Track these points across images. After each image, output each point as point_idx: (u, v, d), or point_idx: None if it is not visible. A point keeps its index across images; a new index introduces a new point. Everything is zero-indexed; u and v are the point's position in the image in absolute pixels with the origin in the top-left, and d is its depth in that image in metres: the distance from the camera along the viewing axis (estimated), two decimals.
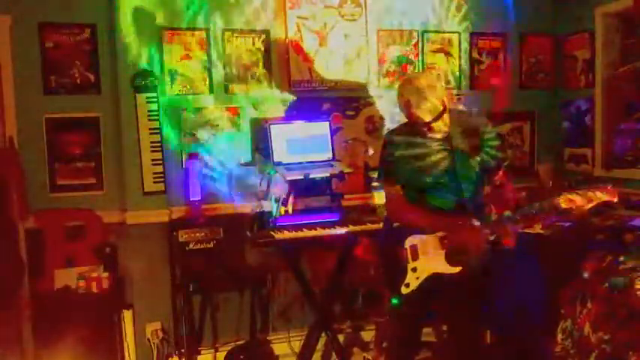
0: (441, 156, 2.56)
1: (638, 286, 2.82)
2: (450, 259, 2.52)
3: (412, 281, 2.60)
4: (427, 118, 2.44)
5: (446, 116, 2.48)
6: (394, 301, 2.69)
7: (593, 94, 4.13)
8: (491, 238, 2.47)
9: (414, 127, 2.54)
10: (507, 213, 2.45)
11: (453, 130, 2.55)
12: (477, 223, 2.45)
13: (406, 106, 2.48)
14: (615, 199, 2.26)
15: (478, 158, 2.57)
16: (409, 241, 2.61)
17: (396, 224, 2.71)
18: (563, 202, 2.28)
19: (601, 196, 2.25)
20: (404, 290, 2.61)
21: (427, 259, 2.57)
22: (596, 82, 4.10)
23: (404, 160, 2.60)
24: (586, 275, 3.04)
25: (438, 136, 2.53)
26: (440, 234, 2.55)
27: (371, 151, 3.91)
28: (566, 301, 3.14)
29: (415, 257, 2.59)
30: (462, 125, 2.59)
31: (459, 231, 2.49)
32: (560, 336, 3.13)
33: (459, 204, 2.56)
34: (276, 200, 3.41)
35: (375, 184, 3.79)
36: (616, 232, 3.22)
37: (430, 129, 2.48)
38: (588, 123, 4.20)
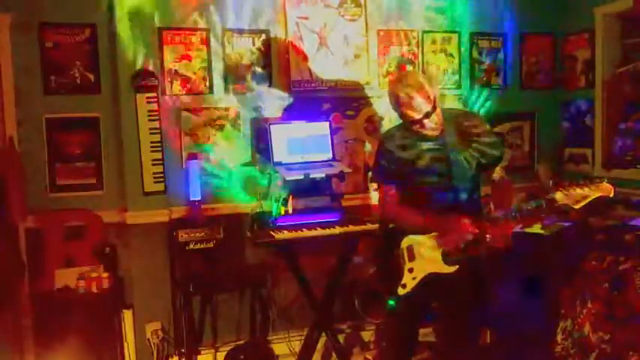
0: (435, 155, 2.56)
1: (638, 286, 2.82)
2: (446, 259, 2.52)
3: (409, 282, 2.60)
4: (417, 116, 2.43)
5: (437, 114, 2.47)
6: (391, 302, 2.68)
7: (593, 94, 4.13)
8: (487, 238, 2.46)
9: (408, 128, 2.54)
10: (501, 213, 2.45)
11: (447, 129, 2.55)
12: (468, 222, 2.44)
13: (396, 104, 2.47)
14: (611, 195, 2.25)
15: (474, 155, 2.57)
16: (405, 242, 2.61)
17: (391, 225, 2.70)
18: (559, 197, 2.28)
19: (597, 191, 2.25)
20: (400, 291, 2.61)
21: (423, 260, 2.57)
22: (596, 82, 4.11)
23: (398, 160, 2.60)
24: (586, 275, 3.04)
25: (432, 135, 2.52)
26: (435, 234, 2.55)
27: (368, 147, 3.93)
28: (566, 301, 3.14)
29: (412, 258, 2.59)
30: (456, 124, 2.58)
31: (451, 230, 2.48)
32: (560, 336, 3.13)
33: (455, 203, 2.55)
34: (276, 200, 3.41)
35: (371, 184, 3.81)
36: (616, 232, 3.22)
37: (422, 126, 2.47)
38: (588, 123, 4.20)
